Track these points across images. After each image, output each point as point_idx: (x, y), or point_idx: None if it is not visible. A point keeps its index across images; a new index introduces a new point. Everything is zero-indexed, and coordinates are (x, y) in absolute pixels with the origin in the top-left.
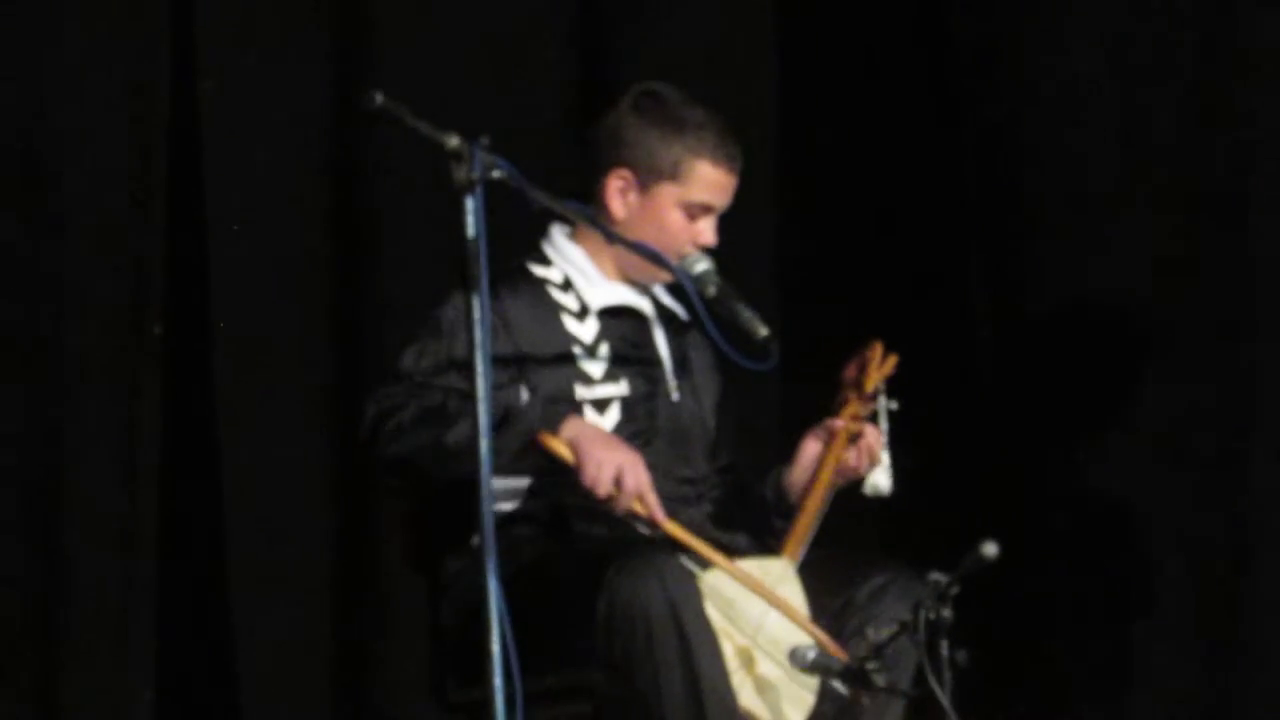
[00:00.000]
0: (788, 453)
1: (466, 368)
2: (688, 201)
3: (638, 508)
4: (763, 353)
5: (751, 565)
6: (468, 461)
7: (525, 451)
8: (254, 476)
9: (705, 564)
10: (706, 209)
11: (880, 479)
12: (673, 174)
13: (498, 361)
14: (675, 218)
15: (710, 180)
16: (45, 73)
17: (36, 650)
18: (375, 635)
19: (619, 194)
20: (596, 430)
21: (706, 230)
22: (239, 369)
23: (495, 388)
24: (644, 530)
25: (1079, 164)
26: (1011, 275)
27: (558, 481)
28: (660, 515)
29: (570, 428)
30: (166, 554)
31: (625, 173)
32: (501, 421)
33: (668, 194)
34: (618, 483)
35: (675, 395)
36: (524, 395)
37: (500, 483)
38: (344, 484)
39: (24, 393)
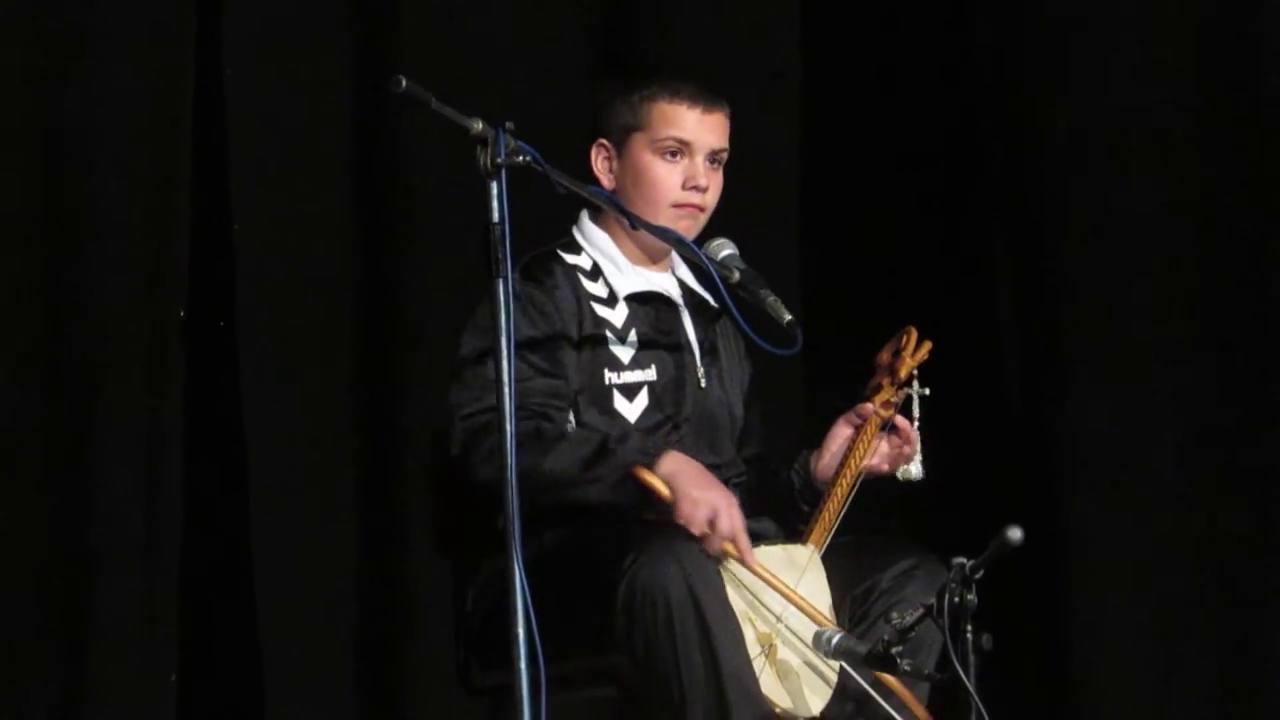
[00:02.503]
0: (812, 439)
1: (533, 347)
2: (656, 142)
3: (729, 549)
4: (788, 338)
5: (777, 551)
6: (564, 490)
7: (622, 483)
8: (278, 466)
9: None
10: (680, 147)
11: (912, 465)
12: (635, 122)
13: (555, 347)
14: (651, 162)
15: (671, 116)
16: (70, 78)
17: (64, 637)
18: (399, 620)
19: (603, 165)
20: (694, 467)
21: (693, 171)
22: (264, 362)
23: (550, 375)
24: (742, 574)
25: (1105, 157)
26: (1037, 262)
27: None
28: (751, 559)
29: (668, 463)
30: (191, 546)
31: (603, 141)
32: (599, 451)
33: (638, 144)
34: (711, 523)
35: (703, 381)
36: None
37: None
38: (368, 473)
39: (47, 389)
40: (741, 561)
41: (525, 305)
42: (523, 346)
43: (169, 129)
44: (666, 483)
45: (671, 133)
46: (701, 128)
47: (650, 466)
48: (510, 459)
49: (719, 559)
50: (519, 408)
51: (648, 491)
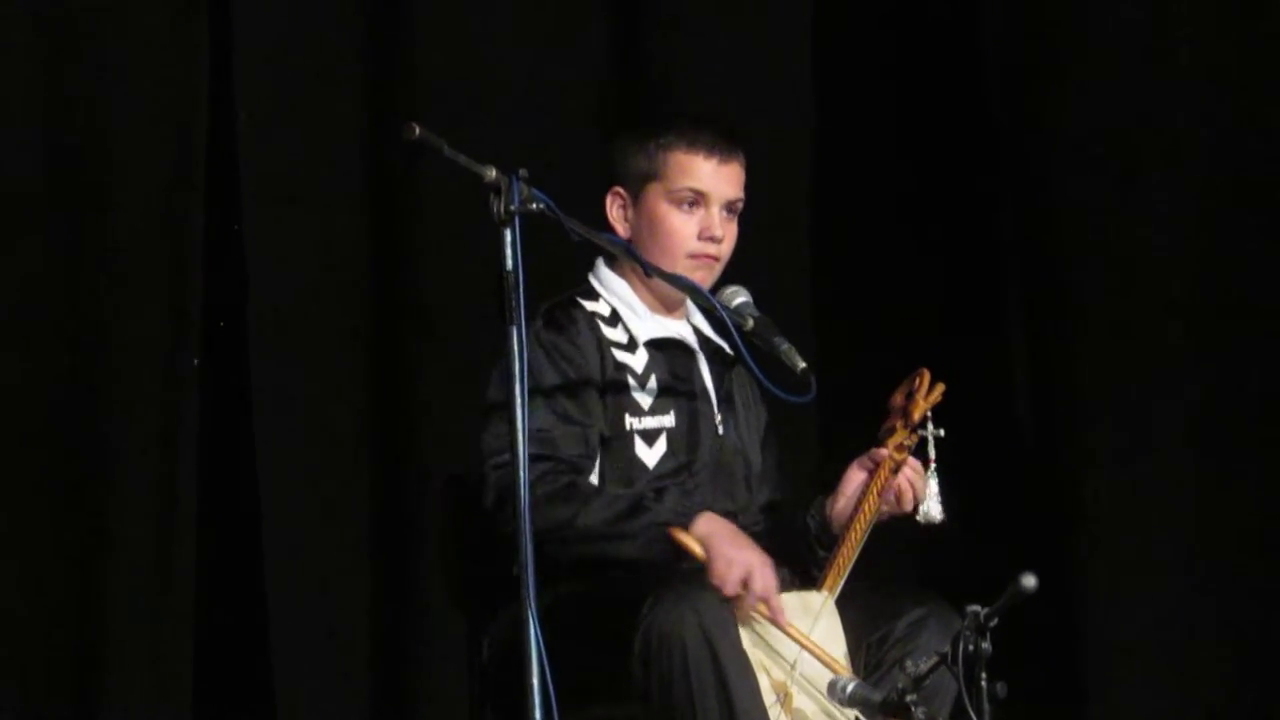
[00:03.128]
0: (827, 483)
1: (563, 395)
2: (673, 192)
3: (762, 609)
4: (802, 386)
5: (791, 598)
6: (597, 546)
7: (654, 541)
8: (292, 507)
9: None
10: (696, 198)
11: (932, 507)
12: (651, 171)
13: (583, 395)
14: (667, 212)
15: (688, 166)
16: (84, 111)
17: (76, 663)
18: (414, 667)
19: (619, 213)
20: (728, 528)
21: (709, 222)
22: (277, 393)
23: (580, 425)
24: (774, 638)
25: (1120, 191)
26: (1049, 305)
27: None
28: (783, 619)
29: (703, 524)
30: (204, 585)
31: (618, 190)
32: (633, 508)
33: (654, 194)
34: (745, 584)
35: (720, 429)
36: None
37: None
38: (384, 518)
39: (64, 423)
40: (774, 623)
41: (551, 354)
42: (553, 395)
43: (179, 187)
44: (701, 543)
45: (688, 183)
46: (718, 178)
47: (685, 526)
48: (523, 505)
49: (749, 619)
50: (550, 458)
51: (681, 551)
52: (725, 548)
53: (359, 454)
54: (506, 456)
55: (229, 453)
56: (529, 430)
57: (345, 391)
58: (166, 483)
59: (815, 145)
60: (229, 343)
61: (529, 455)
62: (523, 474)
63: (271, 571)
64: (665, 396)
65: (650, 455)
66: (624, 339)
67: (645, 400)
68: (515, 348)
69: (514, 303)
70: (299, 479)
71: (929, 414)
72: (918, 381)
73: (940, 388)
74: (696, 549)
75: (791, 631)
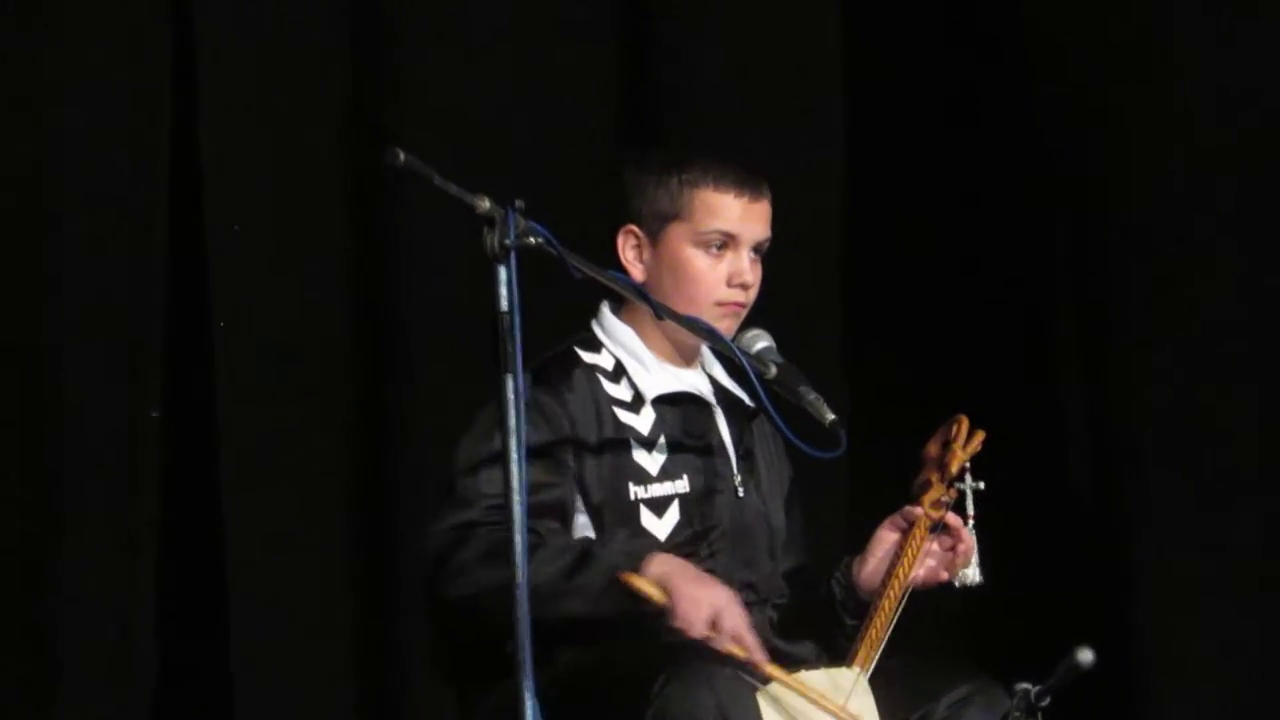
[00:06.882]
0: (856, 543)
1: (531, 456)
2: (699, 234)
3: (736, 650)
4: (831, 439)
5: (819, 676)
6: (545, 604)
7: (607, 592)
8: (264, 581)
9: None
10: (725, 240)
11: (971, 569)
12: (675, 211)
13: (556, 457)
14: (692, 256)
15: (717, 206)
16: (45, 137)
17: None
18: None
19: (633, 253)
20: (687, 566)
21: (739, 267)
22: (244, 459)
23: (550, 487)
24: (745, 677)
25: (1185, 222)
26: (1106, 345)
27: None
28: (760, 658)
29: (658, 564)
30: (167, 662)
31: (633, 228)
32: (580, 560)
33: (677, 235)
34: (713, 624)
35: (740, 490)
36: (578, 501)
37: None
38: (362, 589)
39: (21, 476)
40: (750, 662)
41: (531, 410)
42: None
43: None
44: (658, 585)
45: (716, 225)
46: (748, 218)
47: (636, 569)
48: (522, 574)
49: (751, 679)
50: (498, 518)
51: (637, 598)
52: (687, 587)
53: (338, 531)
54: (444, 523)
55: (192, 522)
56: (479, 494)
57: (321, 454)
58: (126, 553)
59: (846, 171)
60: (192, 384)
61: (466, 523)
62: (519, 535)
63: (238, 651)
64: (677, 458)
65: (661, 526)
66: (628, 396)
67: (653, 465)
68: (511, 398)
69: (509, 348)
70: (269, 548)
71: (968, 465)
72: (955, 429)
73: (980, 436)
74: (654, 592)
75: (793, 684)
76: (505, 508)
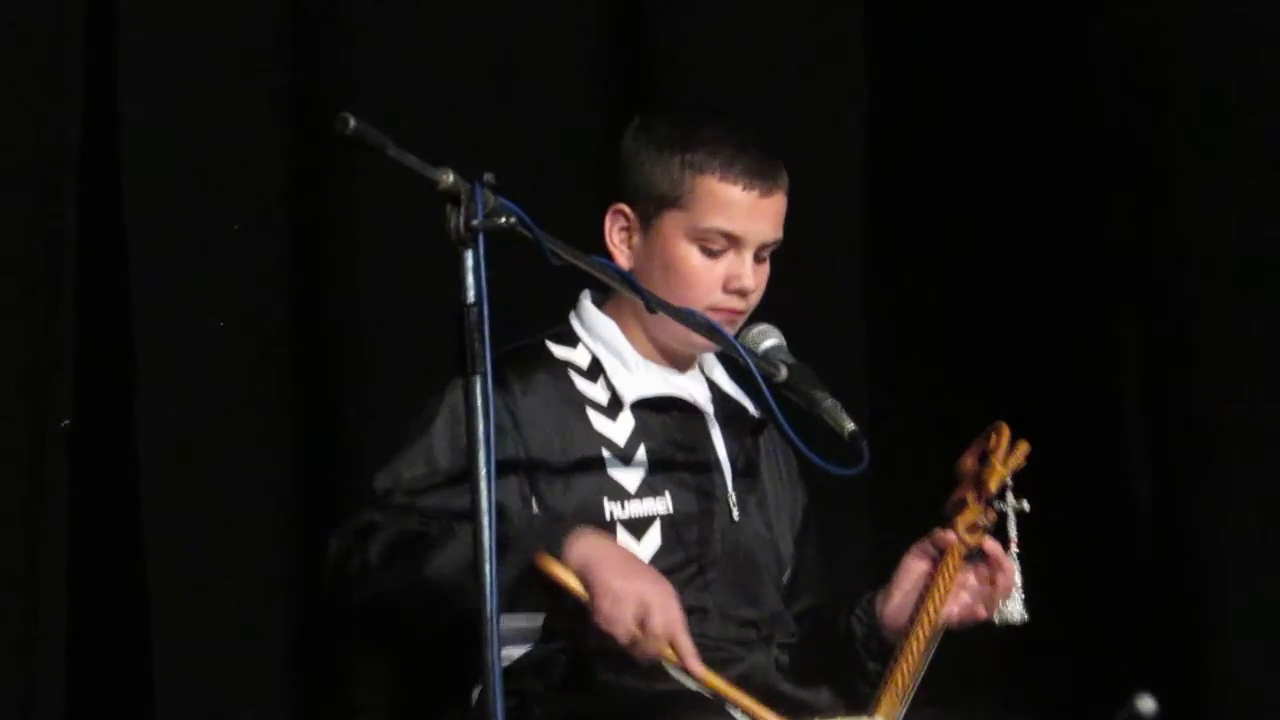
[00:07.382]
0: (880, 575)
1: (457, 481)
2: (698, 230)
3: (668, 654)
4: (851, 454)
5: None
6: (455, 600)
7: (523, 583)
8: (188, 617)
9: None
10: (728, 241)
11: (1012, 604)
12: (672, 196)
13: (504, 472)
14: (688, 253)
15: (722, 199)
16: None
17: None
18: None
19: (621, 237)
20: (614, 551)
21: (739, 270)
22: (165, 478)
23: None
24: (688, 683)
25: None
26: (1172, 346)
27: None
28: (696, 663)
29: (579, 548)
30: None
31: (623, 208)
32: (499, 551)
33: (672, 224)
34: (642, 623)
35: (736, 513)
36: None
37: (507, 622)
38: (303, 642)
39: None
40: (684, 668)
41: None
42: (449, 446)
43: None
44: (579, 575)
45: (719, 224)
46: (755, 216)
47: (556, 554)
48: (490, 609)
49: (697, 687)
50: (401, 509)
51: (557, 592)
52: (610, 578)
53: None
54: (351, 523)
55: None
56: (390, 487)
57: (257, 471)
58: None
59: (868, 146)
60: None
61: (367, 524)
62: (486, 534)
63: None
64: (659, 474)
65: (641, 550)
66: (604, 398)
67: (630, 480)
68: (479, 403)
69: (476, 345)
70: (195, 574)
71: (1009, 482)
72: (994, 440)
73: (1023, 448)
74: (573, 583)
75: (738, 696)
76: (492, 512)
